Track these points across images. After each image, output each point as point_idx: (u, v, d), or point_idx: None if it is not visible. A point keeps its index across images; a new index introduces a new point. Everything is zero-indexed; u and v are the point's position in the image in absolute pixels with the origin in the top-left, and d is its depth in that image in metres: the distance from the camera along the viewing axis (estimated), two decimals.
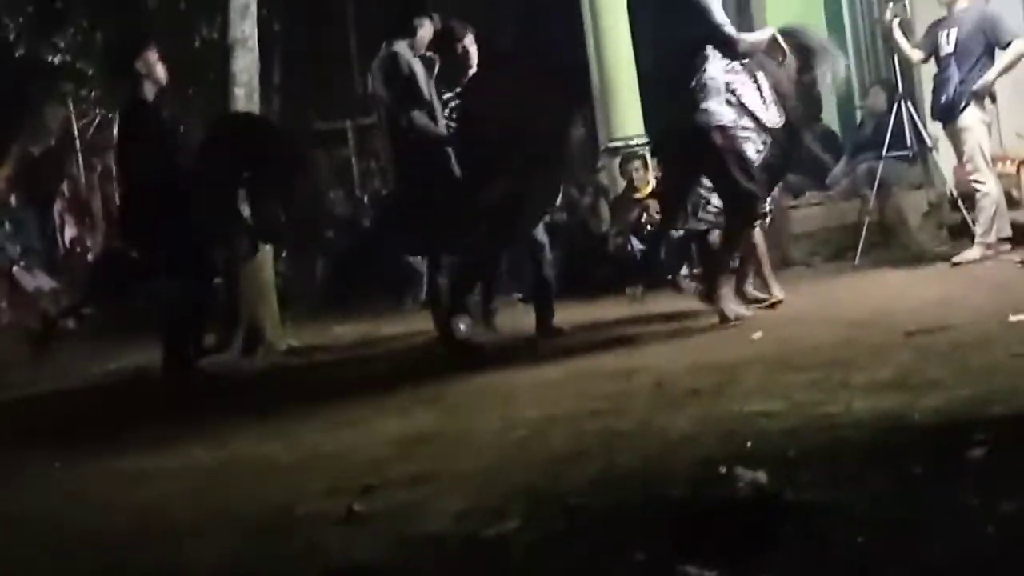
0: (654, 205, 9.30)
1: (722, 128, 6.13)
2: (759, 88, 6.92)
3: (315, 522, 3.19)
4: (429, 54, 6.69)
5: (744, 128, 6.70)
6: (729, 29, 6.12)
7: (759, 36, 6.42)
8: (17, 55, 15.56)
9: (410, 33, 6.53)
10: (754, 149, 6.85)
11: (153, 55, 6.15)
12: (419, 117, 6.32)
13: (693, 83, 6.03)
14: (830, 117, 12.13)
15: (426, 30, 6.63)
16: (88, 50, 15.27)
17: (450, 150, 6.44)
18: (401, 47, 6.40)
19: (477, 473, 3.48)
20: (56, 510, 3.90)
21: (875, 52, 11.87)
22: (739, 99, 6.77)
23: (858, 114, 11.74)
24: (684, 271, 9.45)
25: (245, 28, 8.06)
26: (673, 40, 6.10)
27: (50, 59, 15.56)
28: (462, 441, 4.08)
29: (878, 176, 8.92)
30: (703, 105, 6.04)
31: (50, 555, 3.29)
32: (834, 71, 7.00)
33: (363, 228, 12.43)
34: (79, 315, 13.01)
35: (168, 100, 6.43)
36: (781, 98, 6.91)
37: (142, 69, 6.09)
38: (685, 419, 3.82)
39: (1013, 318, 4.94)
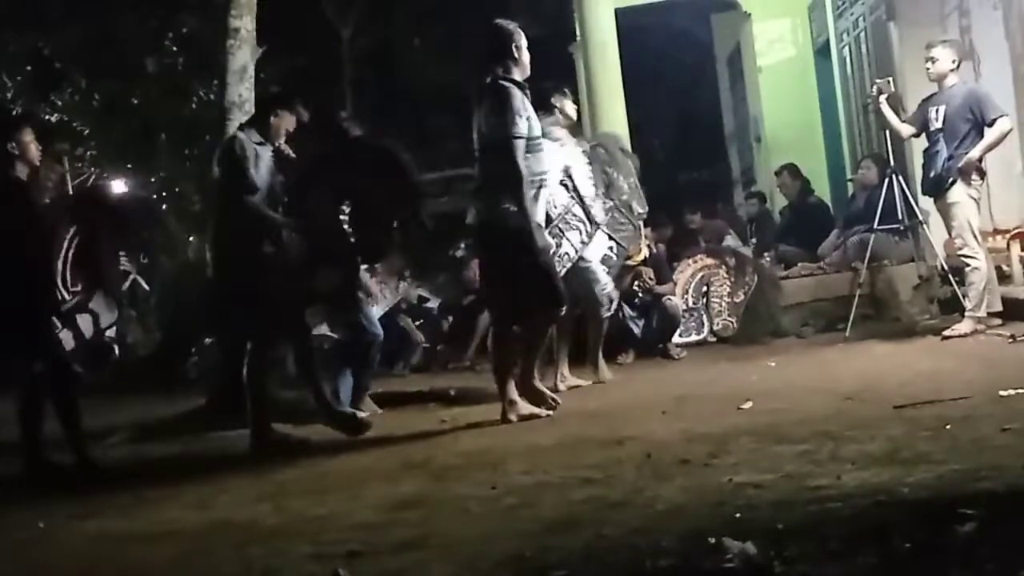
0: (647, 272, 9.35)
1: (538, 227, 6.02)
2: (591, 177, 7.04)
3: None
4: (285, 147, 6.53)
5: (573, 215, 6.75)
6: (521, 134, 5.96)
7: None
8: (14, 113, 15.66)
9: (261, 122, 6.45)
10: (578, 239, 6.94)
11: (27, 136, 6.17)
12: (251, 200, 6.21)
13: (510, 178, 5.92)
14: (822, 189, 12.27)
15: (282, 120, 6.46)
16: (85, 110, 15.38)
17: (278, 237, 6.36)
18: (243, 134, 6.33)
19: (465, 540, 3.45)
20: (38, 574, 3.86)
21: (867, 126, 12.01)
22: (574, 183, 6.81)
23: (849, 187, 11.85)
24: (676, 339, 9.48)
25: (242, 91, 8.12)
26: (491, 136, 6.01)
27: (47, 118, 15.66)
28: (451, 507, 4.05)
29: (869, 249, 8.98)
30: (516, 203, 5.92)
31: None
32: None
33: None
34: None
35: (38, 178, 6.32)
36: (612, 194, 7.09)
37: (14, 150, 6.06)
38: (675, 489, 3.81)
39: (1003, 393, 4.95)
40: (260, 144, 6.32)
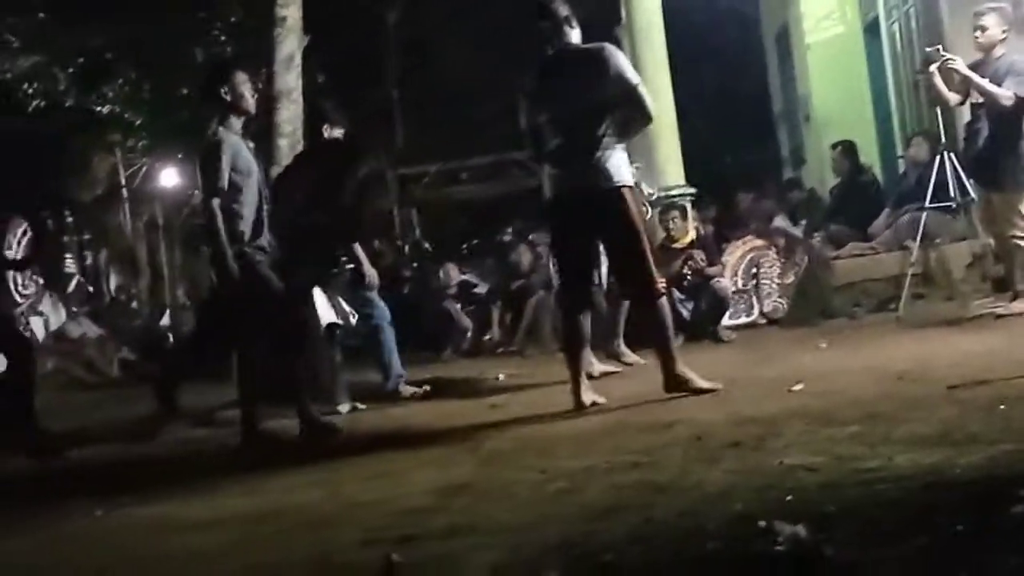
0: (699, 254, 9.32)
1: (630, 188, 5.93)
2: None
3: (353, 573, 3.19)
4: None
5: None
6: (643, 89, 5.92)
7: None
8: (67, 105, 15.85)
9: (223, 106, 6.32)
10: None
11: None
12: (210, 203, 6.18)
13: (597, 137, 5.81)
14: (873, 167, 12.14)
15: (236, 85, 6.33)
16: (136, 101, 15.53)
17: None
18: (223, 130, 6.24)
19: (514, 525, 3.46)
20: (97, 559, 3.91)
21: (917, 102, 11.86)
22: None
23: (901, 165, 11.72)
24: (726, 321, 9.44)
25: (289, 80, 8.19)
26: (580, 98, 5.86)
27: (98, 110, 15.83)
28: (499, 492, 4.06)
29: (921, 227, 8.88)
30: (608, 163, 5.83)
31: None
32: None
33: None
34: (124, 363, 13.18)
35: None
36: None
37: None
38: (724, 473, 3.79)
39: None
40: (239, 136, 6.30)
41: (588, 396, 5.94)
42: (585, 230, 6.00)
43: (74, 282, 7.87)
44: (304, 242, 6.90)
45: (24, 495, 5.67)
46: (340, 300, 7.42)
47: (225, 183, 6.14)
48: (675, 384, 5.88)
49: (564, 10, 5.99)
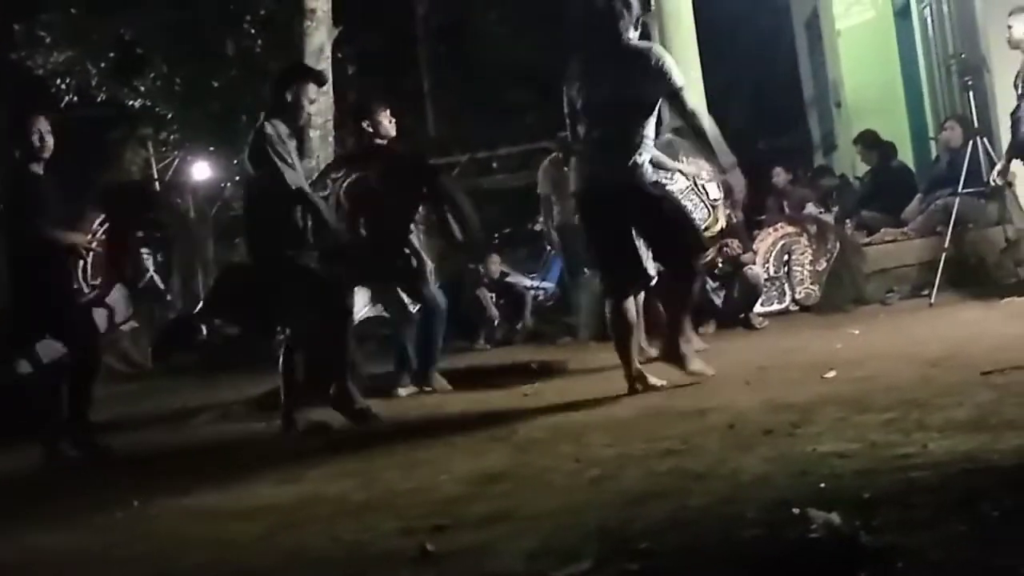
0: (734, 242, 9.28)
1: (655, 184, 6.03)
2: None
3: (389, 561, 3.21)
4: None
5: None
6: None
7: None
8: (99, 99, 15.95)
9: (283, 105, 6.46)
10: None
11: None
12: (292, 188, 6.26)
13: (637, 135, 5.83)
14: (904, 153, 12.06)
15: (302, 92, 6.49)
16: (167, 94, 15.61)
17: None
18: (271, 124, 6.33)
19: (549, 513, 3.48)
20: (135, 548, 3.96)
21: (950, 87, 11.78)
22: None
23: (933, 150, 11.65)
24: (758, 308, 9.41)
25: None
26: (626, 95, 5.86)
27: (130, 103, 15.93)
28: (534, 480, 4.08)
29: (954, 212, 8.83)
30: (643, 161, 5.87)
31: None
32: None
33: None
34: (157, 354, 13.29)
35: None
36: None
37: (36, 141, 6.36)
38: (758, 459, 3.80)
39: None
40: (288, 135, 6.35)
41: (647, 379, 5.97)
42: (621, 219, 5.94)
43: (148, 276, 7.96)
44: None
45: (64, 487, 5.73)
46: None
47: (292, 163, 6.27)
48: (671, 357, 5.99)
49: (637, 7, 5.93)
